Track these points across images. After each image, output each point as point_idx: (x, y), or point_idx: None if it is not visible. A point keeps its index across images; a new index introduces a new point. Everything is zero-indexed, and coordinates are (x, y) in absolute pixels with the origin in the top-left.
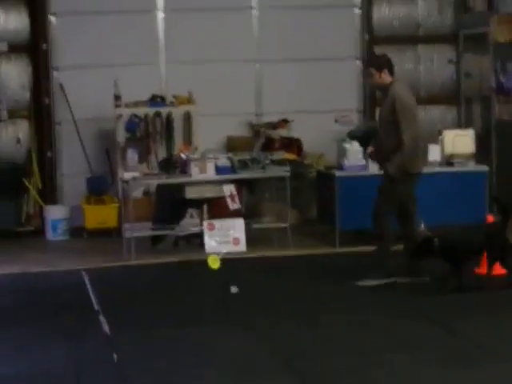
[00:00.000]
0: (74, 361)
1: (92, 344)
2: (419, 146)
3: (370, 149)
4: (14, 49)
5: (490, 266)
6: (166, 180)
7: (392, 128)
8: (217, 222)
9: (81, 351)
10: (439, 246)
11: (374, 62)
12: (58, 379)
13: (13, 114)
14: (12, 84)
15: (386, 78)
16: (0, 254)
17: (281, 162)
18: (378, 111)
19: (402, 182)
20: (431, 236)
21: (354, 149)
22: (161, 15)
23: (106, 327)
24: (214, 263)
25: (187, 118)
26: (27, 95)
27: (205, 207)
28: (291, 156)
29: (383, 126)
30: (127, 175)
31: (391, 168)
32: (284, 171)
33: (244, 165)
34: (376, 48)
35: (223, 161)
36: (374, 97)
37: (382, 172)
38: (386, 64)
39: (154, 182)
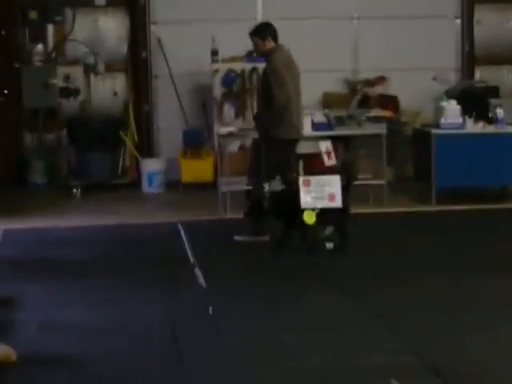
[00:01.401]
0: (169, 313)
1: (187, 296)
2: (291, 112)
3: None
4: (112, 3)
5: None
6: None
7: (268, 93)
8: (313, 178)
9: (176, 303)
10: (268, 207)
11: (257, 31)
12: (152, 331)
13: (110, 68)
14: (110, 38)
15: (269, 45)
16: (97, 206)
17: (377, 119)
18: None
19: (274, 147)
20: (261, 197)
21: (452, 107)
22: None
23: (201, 280)
24: (310, 218)
25: None
26: (125, 49)
27: (300, 163)
28: (388, 113)
29: (262, 92)
30: (223, 130)
31: (259, 125)
32: (380, 128)
33: (340, 121)
34: (477, 7)
35: (319, 117)
36: (472, 56)
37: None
38: (269, 32)
39: (250, 137)
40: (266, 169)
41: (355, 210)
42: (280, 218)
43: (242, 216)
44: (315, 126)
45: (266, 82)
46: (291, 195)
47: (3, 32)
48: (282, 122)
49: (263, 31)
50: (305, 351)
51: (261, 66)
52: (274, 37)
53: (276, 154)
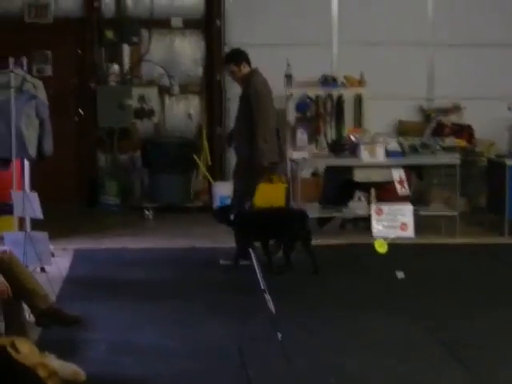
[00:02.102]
0: (238, 337)
1: (256, 321)
2: (270, 137)
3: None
4: (189, 25)
5: (285, 252)
6: (335, 161)
7: (248, 119)
8: (385, 207)
9: (245, 328)
10: (234, 222)
11: (231, 59)
12: (221, 354)
13: (185, 90)
14: (185, 59)
15: (245, 70)
16: (169, 228)
17: (451, 149)
18: None
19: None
20: (228, 207)
21: None
22: None
23: (271, 306)
24: (381, 247)
25: (358, 99)
26: (199, 71)
27: (373, 191)
28: (462, 143)
29: (241, 117)
30: (296, 155)
31: (262, 160)
32: (454, 158)
33: (414, 150)
34: None
35: (393, 145)
36: None
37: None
38: (242, 57)
39: (323, 163)
40: (245, 191)
41: (427, 240)
42: (245, 237)
43: (314, 242)
44: (389, 154)
45: (244, 107)
46: (261, 218)
47: (80, 51)
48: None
49: (237, 57)
50: (374, 381)
51: (336, 91)
52: (248, 61)
53: (255, 179)
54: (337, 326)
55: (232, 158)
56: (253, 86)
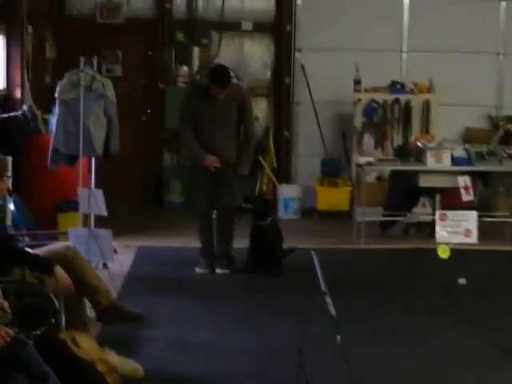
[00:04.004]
0: (297, 339)
1: (316, 324)
2: None
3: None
4: (259, 28)
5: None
6: (400, 167)
7: (235, 126)
8: (449, 213)
9: (304, 330)
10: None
11: (230, 81)
12: (279, 356)
13: (252, 92)
14: (254, 63)
15: None
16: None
17: None
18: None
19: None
20: None
21: None
22: (406, 1)
23: (331, 308)
24: (444, 253)
25: (426, 106)
26: (268, 74)
27: (437, 197)
28: None
29: (229, 124)
30: (362, 159)
31: (247, 169)
32: None
33: (480, 157)
34: None
35: (460, 152)
36: None
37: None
38: None
39: (388, 168)
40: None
41: (491, 246)
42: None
43: (377, 246)
44: (455, 161)
45: (234, 117)
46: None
47: (150, 53)
48: None
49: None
50: None
51: (403, 97)
52: None
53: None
54: (397, 331)
55: (298, 161)
56: (246, 95)
